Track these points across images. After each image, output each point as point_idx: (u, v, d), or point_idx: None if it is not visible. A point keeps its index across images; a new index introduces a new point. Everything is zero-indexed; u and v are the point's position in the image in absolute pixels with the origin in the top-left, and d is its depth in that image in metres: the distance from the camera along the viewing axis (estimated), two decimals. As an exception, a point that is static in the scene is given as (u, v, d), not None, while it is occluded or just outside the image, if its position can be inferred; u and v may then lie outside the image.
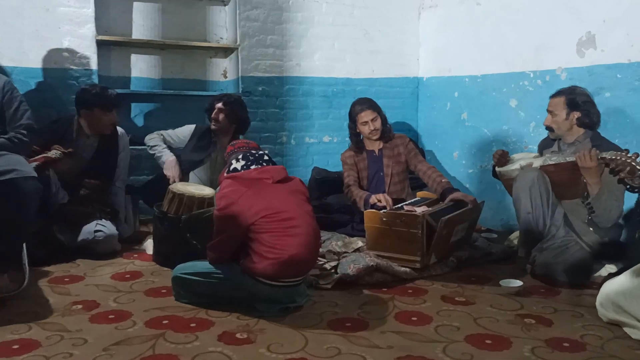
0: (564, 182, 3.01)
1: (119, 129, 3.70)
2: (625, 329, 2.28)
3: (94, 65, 4.02)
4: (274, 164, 2.59)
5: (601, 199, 2.85)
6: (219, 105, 3.80)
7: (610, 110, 3.42)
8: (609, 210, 2.87)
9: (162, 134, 3.87)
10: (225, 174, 2.54)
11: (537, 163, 3.12)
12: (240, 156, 2.55)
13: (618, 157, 2.62)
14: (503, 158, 3.40)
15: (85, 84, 3.55)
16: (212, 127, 3.82)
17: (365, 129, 3.63)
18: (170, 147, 3.84)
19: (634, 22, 3.34)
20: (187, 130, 3.89)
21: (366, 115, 3.61)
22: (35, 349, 2.12)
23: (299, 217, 2.42)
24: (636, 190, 2.58)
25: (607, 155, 2.69)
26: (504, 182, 3.43)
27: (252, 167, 2.50)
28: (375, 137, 3.66)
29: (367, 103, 3.67)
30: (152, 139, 3.85)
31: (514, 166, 3.30)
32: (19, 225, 2.73)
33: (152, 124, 4.55)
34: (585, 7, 3.63)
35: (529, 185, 3.01)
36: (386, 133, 3.69)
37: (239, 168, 2.51)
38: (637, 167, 2.55)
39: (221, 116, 3.79)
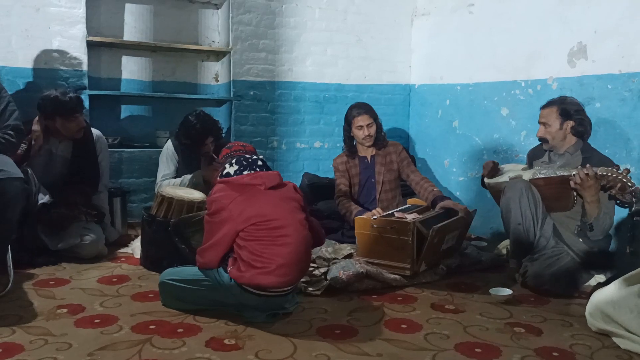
0: (553, 195, 3.01)
1: (95, 132, 3.62)
2: (614, 339, 2.29)
3: (84, 66, 3.97)
4: (268, 169, 2.55)
5: (599, 217, 2.84)
6: (211, 141, 3.70)
7: (600, 120, 3.44)
8: (603, 225, 2.88)
9: (163, 180, 3.72)
10: (218, 178, 2.52)
11: (527, 176, 3.12)
12: (234, 160, 2.51)
13: (609, 174, 2.62)
14: (494, 170, 3.40)
15: (46, 91, 3.39)
16: (203, 156, 3.72)
17: (359, 134, 3.62)
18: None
19: (625, 34, 3.36)
20: (169, 152, 3.77)
21: (362, 120, 3.60)
22: (19, 353, 2.09)
23: (290, 225, 2.38)
24: (626, 205, 2.59)
25: (599, 171, 2.68)
26: (492, 193, 3.43)
27: (245, 172, 2.46)
28: (368, 144, 3.65)
29: (365, 108, 3.66)
30: (163, 185, 3.61)
31: (502, 178, 3.30)
32: (4, 227, 2.69)
33: (142, 126, 4.52)
34: (576, 17, 3.66)
35: (518, 196, 3.01)
36: (380, 141, 3.69)
37: (232, 173, 2.47)
38: (629, 183, 2.56)
39: (211, 147, 3.73)
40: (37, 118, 3.35)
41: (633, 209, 2.54)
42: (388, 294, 2.89)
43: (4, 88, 3.02)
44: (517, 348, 2.24)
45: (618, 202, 2.62)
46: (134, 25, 4.44)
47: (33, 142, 3.32)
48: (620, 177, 2.58)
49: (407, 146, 5.20)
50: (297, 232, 2.39)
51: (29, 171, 3.11)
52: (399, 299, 2.82)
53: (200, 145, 3.69)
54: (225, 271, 2.38)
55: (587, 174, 2.73)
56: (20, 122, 3.00)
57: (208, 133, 3.69)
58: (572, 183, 2.81)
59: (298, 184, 4.44)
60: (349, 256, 3.19)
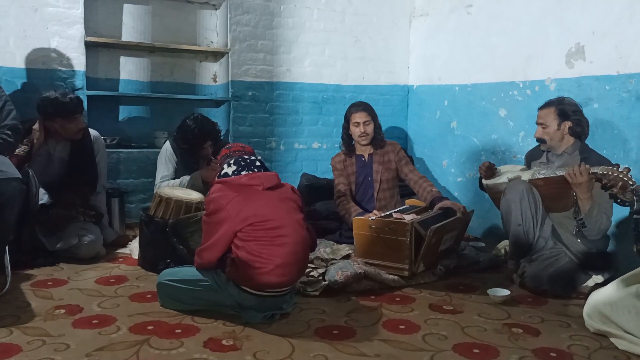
0: (552, 195, 3.01)
1: (93, 132, 3.61)
2: (612, 340, 2.29)
3: (81, 66, 3.96)
4: (266, 169, 2.56)
5: (592, 214, 2.86)
6: (209, 145, 3.67)
7: (598, 121, 3.45)
8: (599, 224, 2.89)
9: (161, 182, 3.67)
10: (216, 178, 2.52)
11: (526, 177, 3.12)
12: (232, 161, 2.51)
13: (610, 173, 2.63)
14: (490, 171, 3.40)
15: (45, 92, 3.36)
16: (201, 159, 3.71)
17: (356, 131, 3.63)
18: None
19: (623, 35, 3.36)
20: (168, 153, 3.72)
21: (359, 117, 3.61)
22: (16, 354, 2.08)
23: (288, 225, 2.38)
24: (627, 204, 2.59)
25: (599, 170, 2.69)
26: (491, 194, 3.43)
27: (243, 172, 2.46)
28: (363, 142, 3.65)
29: (363, 106, 3.68)
30: (162, 187, 3.55)
31: (501, 179, 3.30)
32: (1, 227, 2.68)
33: (140, 127, 4.52)
34: (574, 18, 3.66)
35: (519, 197, 3.01)
36: (377, 140, 3.69)
37: (230, 173, 2.47)
38: (629, 182, 2.56)
39: (210, 150, 3.70)
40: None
41: (634, 207, 2.54)
42: (386, 294, 2.88)
43: (2, 88, 3.02)
44: (515, 349, 2.24)
45: (619, 201, 2.63)
46: (132, 25, 4.43)
47: (35, 141, 3.32)
48: (621, 176, 2.59)
49: (405, 147, 5.20)
50: (295, 233, 2.39)
51: (30, 172, 3.11)
52: (397, 299, 2.82)
53: (199, 149, 3.68)
54: (224, 271, 2.38)
55: (580, 171, 2.75)
56: (18, 122, 2.99)
57: (206, 137, 3.65)
58: (566, 174, 2.83)
59: (296, 185, 4.46)
60: (347, 257, 3.18)
